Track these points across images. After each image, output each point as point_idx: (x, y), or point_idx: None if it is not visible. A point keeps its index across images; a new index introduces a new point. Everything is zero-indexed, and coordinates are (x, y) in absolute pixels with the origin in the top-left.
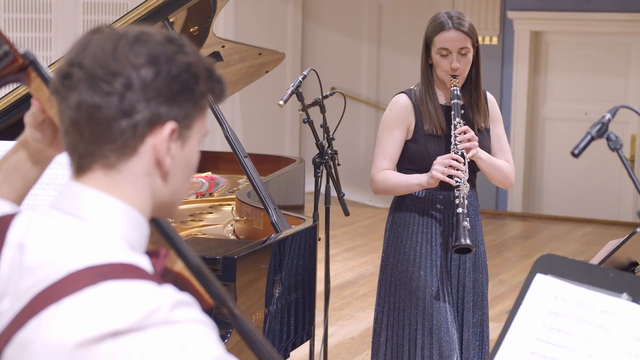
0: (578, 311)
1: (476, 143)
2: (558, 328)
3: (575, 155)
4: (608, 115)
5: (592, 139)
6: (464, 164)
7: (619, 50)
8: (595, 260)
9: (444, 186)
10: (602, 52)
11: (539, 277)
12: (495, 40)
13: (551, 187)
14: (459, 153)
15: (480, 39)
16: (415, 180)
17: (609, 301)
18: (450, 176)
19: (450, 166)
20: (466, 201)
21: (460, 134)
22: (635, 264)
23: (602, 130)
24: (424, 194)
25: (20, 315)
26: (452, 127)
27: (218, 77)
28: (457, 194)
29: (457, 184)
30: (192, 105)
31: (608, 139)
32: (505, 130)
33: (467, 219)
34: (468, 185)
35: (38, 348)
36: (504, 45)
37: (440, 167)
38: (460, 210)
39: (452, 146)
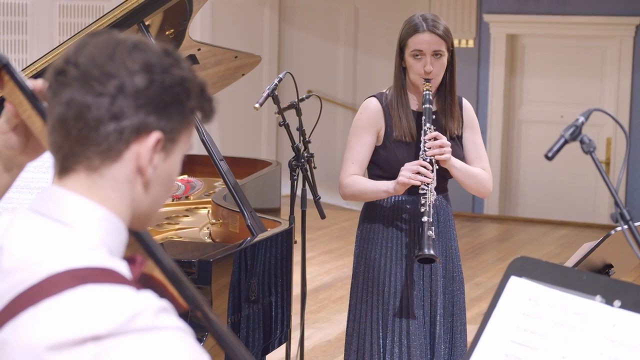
0: (552, 313)
1: (448, 149)
2: (532, 330)
3: (549, 158)
4: (581, 119)
5: (566, 142)
6: (432, 171)
7: (595, 53)
8: (570, 262)
9: (412, 191)
10: (578, 55)
11: (513, 280)
12: (471, 44)
13: (527, 190)
14: (428, 160)
15: (456, 42)
16: (382, 187)
17: (582, 303)
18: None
19: (418, 173)
20: (432, 210)
21: (430, 140)
22: (609, 266)
23: (575, 133)
24: (392, 201)
25: None
26: (422, 132)
27: (209, 97)
28: (423, 201)
29: (424, 191)
30: (180, 119)
31: (582, 142)
32: (482, 133)
33: (432, 228)
34: (435, 193)
35: (15, 350)
36: (480, 49)
37: (407, 173)
38: (425, 218)
39: (420, 152)
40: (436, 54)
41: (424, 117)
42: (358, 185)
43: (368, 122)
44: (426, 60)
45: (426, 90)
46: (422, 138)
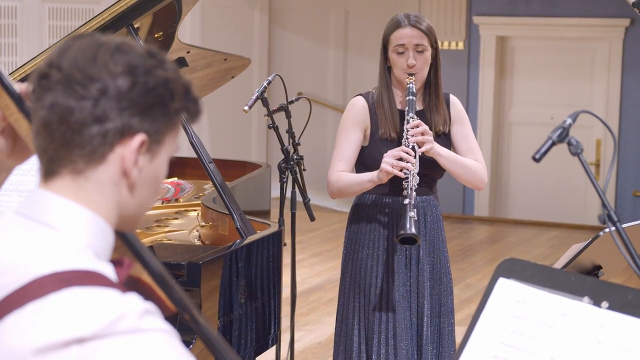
0: (540, 315)
1: (430, 138)
2: (520, 332)
3: (537, 160)
4: (569, 120)
5: (553, 143)
6: (415, 157)
7: (584, 55)
8: (559, 264)
9: (397, 191)
10: (568, 57)
11: (502, 281)
12: (461, 45)
13: (517, 192)
14: (410, 146)
15: (446, 44)
16: (367, 177)
17: (570, 305)
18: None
19: (400, 159)
20: (414, 193)
21: (413, 127)
22: (598, 267)
23: (563, 135)
24: (377, 200)
25: None
26: (405, 121)
27: (194, 97)
28: (405, 185)
29: (406, 175)
30: (164, 120)
31: (569, 143)
32: None
33: (415, 210)
34: (417, 177)
35: (1, 352)
36: (470, 50)
37: (390, 159)
38: (407, 201)
39: (403, 140)
40: (418, 48)
41: (407, 108)
42: (344, 179)
43: (355, 120)
44: (408, 55)
45: (410, 83)
46: (405, 127)
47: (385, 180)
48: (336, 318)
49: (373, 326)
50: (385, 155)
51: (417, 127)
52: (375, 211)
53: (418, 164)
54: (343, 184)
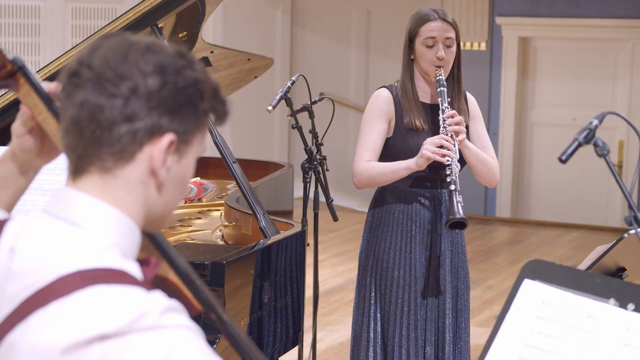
0: (565, 316)
1: (464, 129)
2: (545, 333)
3: (563, 161)
4: (595, 122)
5: (580, 145)
6: (454, 144)
7: (607, 56)
8: (583, 265)
9: (427, 184)
10: (590, 58)
11: (527, 283)
12: (483, 46)
13: (539, 193)
14: (449, 135)
15: (468, 44)
16: (403, 164)
17: (596, 306)
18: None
19: (441, 146)
20: (458, 180)
21: (448, 117)
22: (622, 269)
23: (589, 136)
24: (403, 192)
25: (9, 320)
26: (440, 111)
27: (223, 99)
28: (448, 172)
29: (449, 162)
30: (193, 120)
31: (595, 145)
32: (494, 135)
33: (460, 196)
34: (459, 165)
35: (24, 352)
36: (493, 51)
37: (431, 146)
38: (453, 187)
39: (440, 129)
40: (447, 42)
41: (440, 99)
42: (375, 168)
43: (380, 110)
44: (438, 47)
45: (439, 75)
46: (440, 116)
47: (424, 166)
48: (354, 309)
49: (395, 318)
50: (425, 142)
51: (453, 117)
52: (398, 203)
53: (458, 151)
54: (375, 173)
